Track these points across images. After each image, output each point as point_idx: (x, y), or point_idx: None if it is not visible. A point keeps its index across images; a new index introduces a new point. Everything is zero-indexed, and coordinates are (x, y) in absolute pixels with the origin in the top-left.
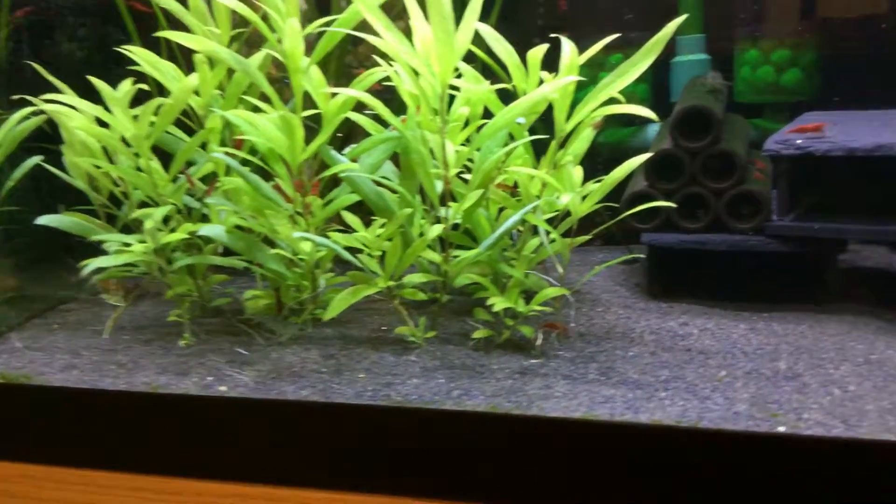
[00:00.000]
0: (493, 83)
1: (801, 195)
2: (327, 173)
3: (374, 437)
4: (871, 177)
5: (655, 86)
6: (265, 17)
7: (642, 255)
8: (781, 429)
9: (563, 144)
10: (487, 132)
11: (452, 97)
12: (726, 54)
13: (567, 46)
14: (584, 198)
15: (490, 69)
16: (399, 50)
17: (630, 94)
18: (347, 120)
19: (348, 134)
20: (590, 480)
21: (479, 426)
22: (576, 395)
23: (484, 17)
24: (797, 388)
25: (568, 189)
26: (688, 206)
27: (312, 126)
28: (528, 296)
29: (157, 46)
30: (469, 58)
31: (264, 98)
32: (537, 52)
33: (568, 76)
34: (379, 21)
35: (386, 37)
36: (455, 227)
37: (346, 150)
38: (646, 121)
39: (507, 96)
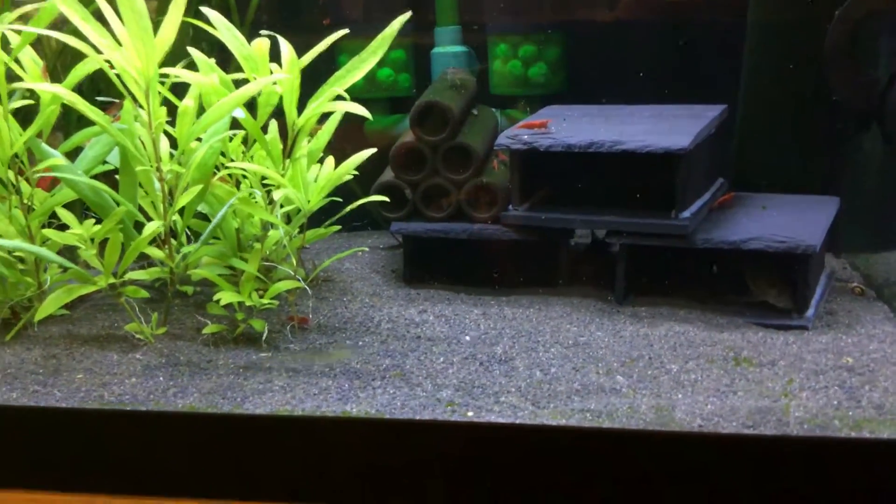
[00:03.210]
0: None
1: (534, 187)
2: (37, 168)
3: (67, 439)
4: (590, 170)
5: (419, 75)
6: None
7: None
8: (470, 414)
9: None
10: (199, 126)
11: (185, 87)
12: (484, 46)
13: (284, 47)
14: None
15: None
16: (100, 45)
17: (392, 83)
18: None
19: None
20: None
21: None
22: (292, 388)
23: None
24: (505, 371)
25: (298, 183)
26: (435, 196)
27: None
28: None
29: None
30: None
31: None
32: (262, 45)
33: (286, 73)
34: (75, 13)
35: (84, 31)
36: (204, 216)
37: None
38: (410, 109)
39: None
